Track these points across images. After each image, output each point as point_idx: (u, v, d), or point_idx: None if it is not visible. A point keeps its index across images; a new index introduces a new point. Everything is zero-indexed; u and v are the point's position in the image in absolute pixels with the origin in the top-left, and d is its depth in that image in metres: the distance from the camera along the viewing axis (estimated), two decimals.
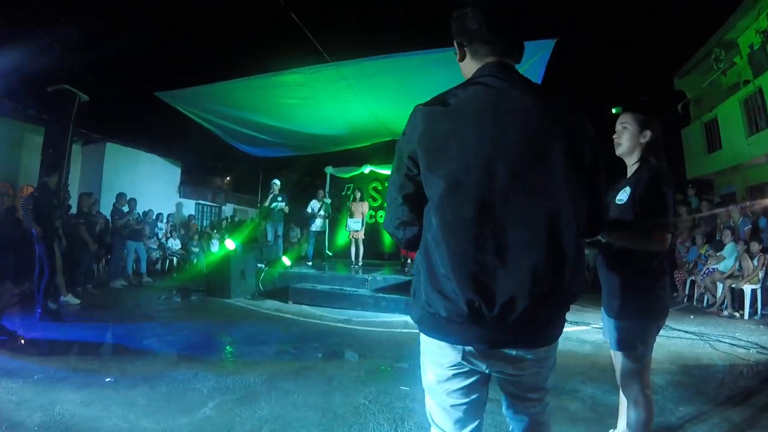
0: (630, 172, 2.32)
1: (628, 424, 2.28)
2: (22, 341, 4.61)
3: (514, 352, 1.32)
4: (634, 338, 2.16)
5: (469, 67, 1.44)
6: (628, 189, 2.19)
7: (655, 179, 2.11)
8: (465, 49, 1.44)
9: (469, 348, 1.32)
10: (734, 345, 5.36)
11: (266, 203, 10.18)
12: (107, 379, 3.68)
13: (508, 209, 1.23)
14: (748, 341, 5.52)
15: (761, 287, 7.30)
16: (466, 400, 1.42)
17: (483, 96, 1.31)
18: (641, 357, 2.18)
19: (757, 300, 7.30)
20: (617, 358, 2.23)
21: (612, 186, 2.33)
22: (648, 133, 2.25)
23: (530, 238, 1.23)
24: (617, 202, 2.21)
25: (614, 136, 2.34)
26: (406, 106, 8.06)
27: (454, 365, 1.37)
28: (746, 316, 7.19)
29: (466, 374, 1.39)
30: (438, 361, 1.40)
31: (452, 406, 1.42)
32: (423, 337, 1.43)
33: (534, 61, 7.15)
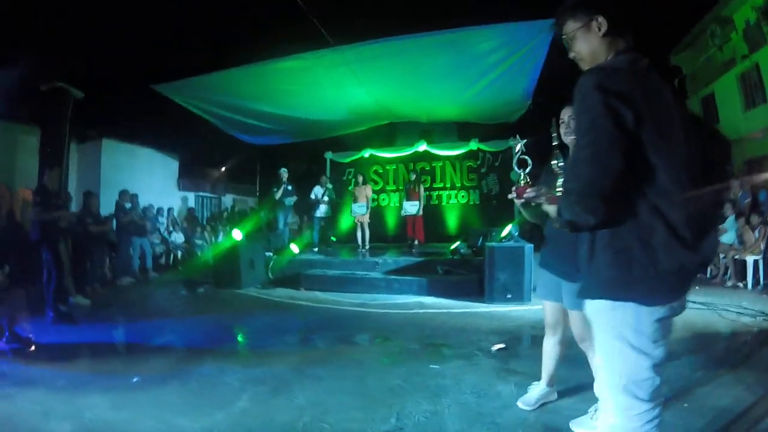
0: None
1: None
2: (32, 348, 4.43)
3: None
4: None
5: (602, 45, 1.54)
6: None
7: None
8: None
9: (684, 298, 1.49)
10: (741, 314, 5.53)
11: (278, 194, 10.04)
12: (134, 380, 3.56)
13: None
14: (754, 310, 5.67)
15: (763, 258, 7.45)
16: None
17: (646, 72, 1.44)
18: None
19: (759, 270, 7.47)
20: (584, 315, 2.40)
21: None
22: None
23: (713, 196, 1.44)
24: None
25: (565, 127, 2.55)
26: (408, 88, 8.09)
27: (663, 328, 1.46)
28: (749, 286, 7.40)
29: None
30: (666, 332, 1.46)
31: (655, 365, 1.45)
32: (659, 313, 1.42)
33: (537, 41, 7.04)
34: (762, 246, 7.44)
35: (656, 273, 1.34)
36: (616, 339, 1.46)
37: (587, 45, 1.54)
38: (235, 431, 2.69)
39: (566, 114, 2.56)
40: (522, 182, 2.47)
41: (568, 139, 2.55)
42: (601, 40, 1.51)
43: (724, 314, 5.48)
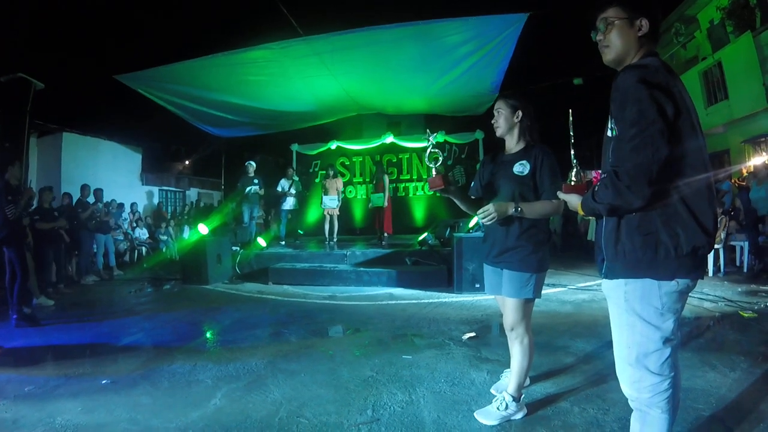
0: (513, 149, 2.69)
1: (518, 367, 2.65)
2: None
3: None
4: (542, 285, 2.66)
5: (635, 44, 1.64)
6: (525, 163, 2.55)
7: (551, 156, 2.55)
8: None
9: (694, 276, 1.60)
10: (703, 299, 5.77)
11: (244, 187, 9.90)
12: (103, 381, 3.49)
13: None
14: (715, 296, 5.95)
15: (723, 247, 7.91)
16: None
17: (674, 73, 1.58)
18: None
19: (720, 258, 7.93)
20: (520, 306, 2.60)
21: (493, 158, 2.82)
22: (520, 114, 2.63)
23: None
24: (516, 173, 2.56)
25: (492, 121, 2.70)
26: (379, 79, 8.10)
27: (671, 300, 1.59)
28: (710, 274, 7.77)
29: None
30: (675, 306, 1.60)
31: (664, 338, 1.59)
32: (668, 287, 1.56)
33: (506, 35, 7.15)
34: (722, 235, 7.84)
35: (676, 255, 1.49)
36: (627, 312, 1.60)
37: (623, 39, 1.62)
38: (211, 430, 2.67)
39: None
40: (434, 173, 2.58)
41: (499, 131, 2.69)
42: (638, 39, 1.60)
43: (688, 300, 5.74)
